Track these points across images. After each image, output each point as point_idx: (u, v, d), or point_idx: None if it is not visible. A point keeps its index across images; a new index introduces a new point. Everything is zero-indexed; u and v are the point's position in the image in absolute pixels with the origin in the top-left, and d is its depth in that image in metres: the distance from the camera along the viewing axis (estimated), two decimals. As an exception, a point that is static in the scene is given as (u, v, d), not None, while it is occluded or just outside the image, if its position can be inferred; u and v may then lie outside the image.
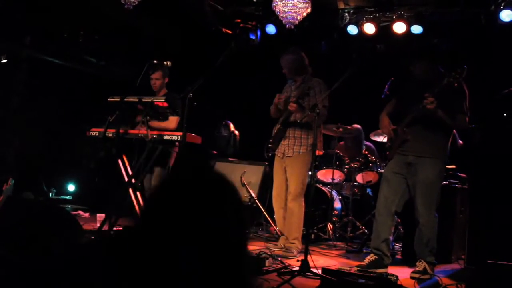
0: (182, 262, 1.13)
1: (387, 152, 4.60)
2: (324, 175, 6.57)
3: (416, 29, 6.71)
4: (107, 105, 5.15)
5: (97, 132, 5.22)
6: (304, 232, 4.93)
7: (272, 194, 5.26)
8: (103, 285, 1.13)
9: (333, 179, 6.30)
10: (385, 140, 4.91)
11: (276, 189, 5.18)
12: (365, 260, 4.36)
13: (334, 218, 6.19)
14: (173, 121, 5.48)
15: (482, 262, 3.33)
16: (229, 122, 7.80)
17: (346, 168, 6.46)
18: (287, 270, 4.00)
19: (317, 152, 4.98)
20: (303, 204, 4.98)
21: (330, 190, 6.31)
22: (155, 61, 5.21)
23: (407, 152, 4.36)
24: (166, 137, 5.27)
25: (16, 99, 7.32)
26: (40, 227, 2.07)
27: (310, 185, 4.78)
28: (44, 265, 1.23)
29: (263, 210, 5.61)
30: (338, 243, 5.86)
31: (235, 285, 1.19)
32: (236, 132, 7.74)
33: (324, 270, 3.52)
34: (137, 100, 5.19)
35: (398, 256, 5.24)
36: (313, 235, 5.93)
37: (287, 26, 5.52)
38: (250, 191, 5.72)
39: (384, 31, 6.94)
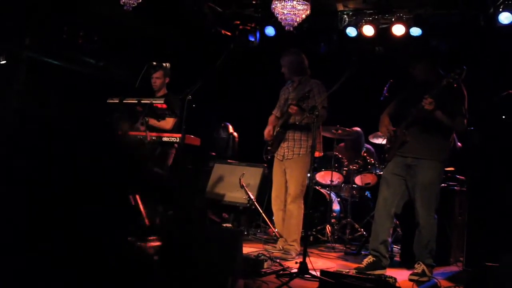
0: None
1: (387, 154, 4.61)
2: (323, 177, 6.57)
3: (415, 31, 6.72)
4: (106, 106, 5.15)
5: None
6: (303, 234, 4.93)
7: (270, 196, 5.26)
8: None
9: (331, 181, 6.31)
10: (384, 142, 4.91)
11: (275, 191, 5.18)
12: (363, 262, 4.36)
13: (333, 220, 6.19)
14: (169, 121, 5.49)
15: (481, 265, 3.33)
16: (228, 124, 7.80)
17: (345, 170, 6.46)
18: (286, 272, 4.00)
19: (317, 154, 4.98)
20: (302, 206, 4.98)
21: (328, 192, 6.32)
22: (154, 63, 5.22)
23: (406, 154, 4.37)
24: (165, 139, 5.27)
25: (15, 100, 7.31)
26: None
27: (309, 187, 4.78)
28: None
29: (261, 212, 5.61)
30: (337, 245, 5.87)
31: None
32: (235, 134, 7.74)
33: (323, 272, 3.52)
34: (136, 101, 5.19)
35: (397, 258, 5.24)
36: (311, 237, 5.93)
37: (286, 28, 5.52)
38: (249, 193, 5.72)
39: (383, 33, 6.95)
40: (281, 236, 5.11)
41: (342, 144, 7.14)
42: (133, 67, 5.80)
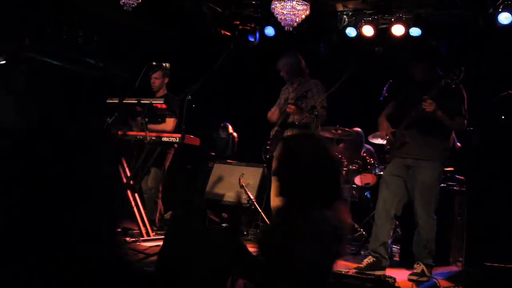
0: None
1: (386, 155, 4.61)
2: (323, 177, 6.56)
3: (415, 31, 6.71)
4: (105, 106, 5.15)
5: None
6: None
7: (270, 195, 5.26)
8: None
9: (331, 181, 6.30)
10: (383, 142, 4.91)
11: (274, 191, 5.18)
12: (363, 262, 4.36)
13: (332, 220, 6.19)
14: (170, 123, 5.49)
15: (480, 265, 3.34)
16: (227, 124, 7.79)
17: (345, 170, 6.46)
18: (285, 272, 3.99)
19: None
20: (301, 206, 4.97)
21: (328, 192, 6.31)
22: (154, 63, 5.22)
23: (406, 155, 4.37)
24: (164, 139, 5.27)
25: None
26: None
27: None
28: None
29: (261, 212, 5.60)
30: (336, 245, 5.85)
31: None
32: (235, 134, 7.73)
33: (322, 272, 3.51)
34: (136, 101, 5.19)
35: (396, 258, 5.24)
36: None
37: (286, 28, 5.52)
38: (248, 192, 5.72)
39: (383, 33, 6.95)
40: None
41: (341, 144, 7.13)
42: (132, 67, 5.81)
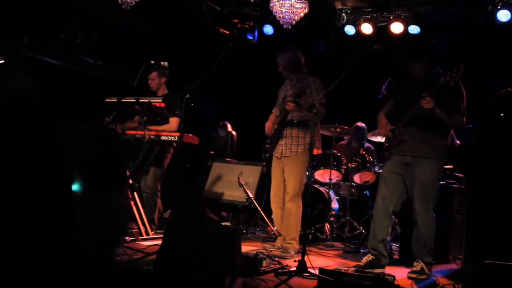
0: None
1: (385, 153, 4.61)
2: (322, 175, 6.57)
3: (414, 29, 6.72)
4: (104, 105, 5.15)
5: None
6: (302, 232, 4.92)
7: (269, 194, 5.26)
8: None
9: (330, 179, 6.31)
10: (383, 140, 4.91)
11: (274, 189, 5.18)
12: (362, 260, 4.36)
13: (332, 219, 6.20)
14: (173, 123, 5.48)
15: (480, 262, 3.33)
16: (226, 122, 7.79)
17: (344, 168, 6.46)
18: (285, 270, 3.99)
19: (315, 151, 4.97)
20: (301, 204, 4.98)
21: (327, 190, 6.32)
22: (152, 62, 5.21)
23: (404, 152, 4.37)
24: (163, 138, 5.27)
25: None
26: None
27: (308, 185, 4.78)
28: None
29: (260, 211, 5.60)
30: (336, 243, 5.87)
31: None
32: (234, 133, 7.74)
33: (322, 270, 3.52)
34: (134, 100, 5.19)
35: (396, 256, 5.25)
36: (310, 236, 5.94)
37: (285, 26, 5.52)
38: (248, 191, 5.72)
39: (382, 31, 6.95)
40: (279, 235, 5.11)
41: (342, 142, 7.14)
42: (131, 66, 5.80)
